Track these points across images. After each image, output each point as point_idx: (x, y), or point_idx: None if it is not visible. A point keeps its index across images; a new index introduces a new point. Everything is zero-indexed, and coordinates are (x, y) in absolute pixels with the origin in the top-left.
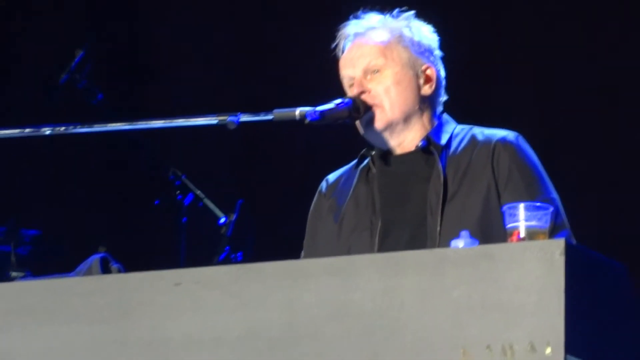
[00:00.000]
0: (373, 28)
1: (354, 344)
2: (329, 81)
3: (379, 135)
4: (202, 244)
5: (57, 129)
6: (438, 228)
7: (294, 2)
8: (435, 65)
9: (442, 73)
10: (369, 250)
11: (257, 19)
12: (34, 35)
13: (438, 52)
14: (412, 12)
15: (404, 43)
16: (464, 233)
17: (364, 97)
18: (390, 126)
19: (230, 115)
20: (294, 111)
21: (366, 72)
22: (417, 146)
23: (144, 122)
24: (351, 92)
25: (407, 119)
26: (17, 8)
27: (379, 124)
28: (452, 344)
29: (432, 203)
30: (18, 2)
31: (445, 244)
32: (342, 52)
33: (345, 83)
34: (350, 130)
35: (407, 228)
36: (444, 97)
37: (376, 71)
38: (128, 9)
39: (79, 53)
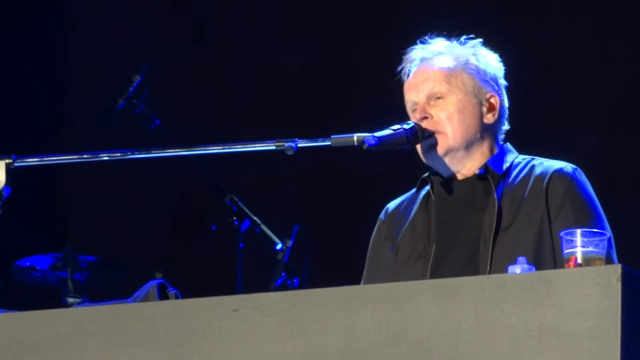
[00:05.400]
0: (439, 53)
1: None
2: (388, 106)
3: (439, 161)
4: (259, 269)
5: (115, 154)
6: (489, 257)
7: (357, 26)
8: (499, 95)
9: (506, 103)
10: (421, 278)
11: (319, 43)
12: (92, 60)
13: (503, 82)
14: (479, 40)
15: (470, 70)
16: (521, 259)
17: (425, 122)
18: (450, 152)
19: (288, 141)
20: (352, 137)
21: (429, 98)
22: (474, 174)
23: (202, 148)
24: (414, 117)
25: (468, 146)
26: (75, 32)
27: (439, 149)
28: None
29: (485, 231)
30: (76, 27)
31: (497, 273)
32: (407, 76)
33: (409, 107)
34: (409, 155)
35: (460, 256)
36: (506, 126)
37: (439, 97)
38: (188, 34)
39: (137, 79)
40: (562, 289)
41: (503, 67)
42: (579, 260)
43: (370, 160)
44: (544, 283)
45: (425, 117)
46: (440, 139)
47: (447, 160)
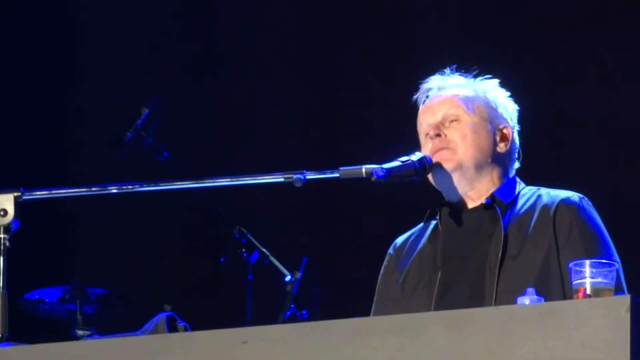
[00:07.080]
0: (457, 85)
1: None
2: (395, 138)
3: (448, 178)
4: (268, 301)
5: (123, 187)
6: (495, 286)
7: (362, 60)
8: (512, 128)
9: (517, 141)
10: (427, 307)
11: (324, 76)
12: (100, 93)
13: (516, 122)
14: (496, 80)
15: (486, 100)
16: (530, 290)
17: (438, 140)
18: (460, 168)
19: (296, 173)
20: (360, 169)
21: (445, 119)
22: (482, 203)
23: (210, 180)
24: (426, 139)
25: (478, 167)
26: (83, 64)
27: (449, 164)
28: None
29: (491, 259)
30: (83, 59)
31: (502, 301)
32: (423, 102)
33: (422, 130)
34: (417, 187)
35: (466, 283)
36: (516, 163)
37: (455, 120)
38: (196, 67)
39: (145, 111)
40: (571, 320)
41: (517, 108)
42: (588, 291)
43: (379, 192)
44: (553, 314)
45: (439, 135)
46: (450, 154)
47: (456, 178)
